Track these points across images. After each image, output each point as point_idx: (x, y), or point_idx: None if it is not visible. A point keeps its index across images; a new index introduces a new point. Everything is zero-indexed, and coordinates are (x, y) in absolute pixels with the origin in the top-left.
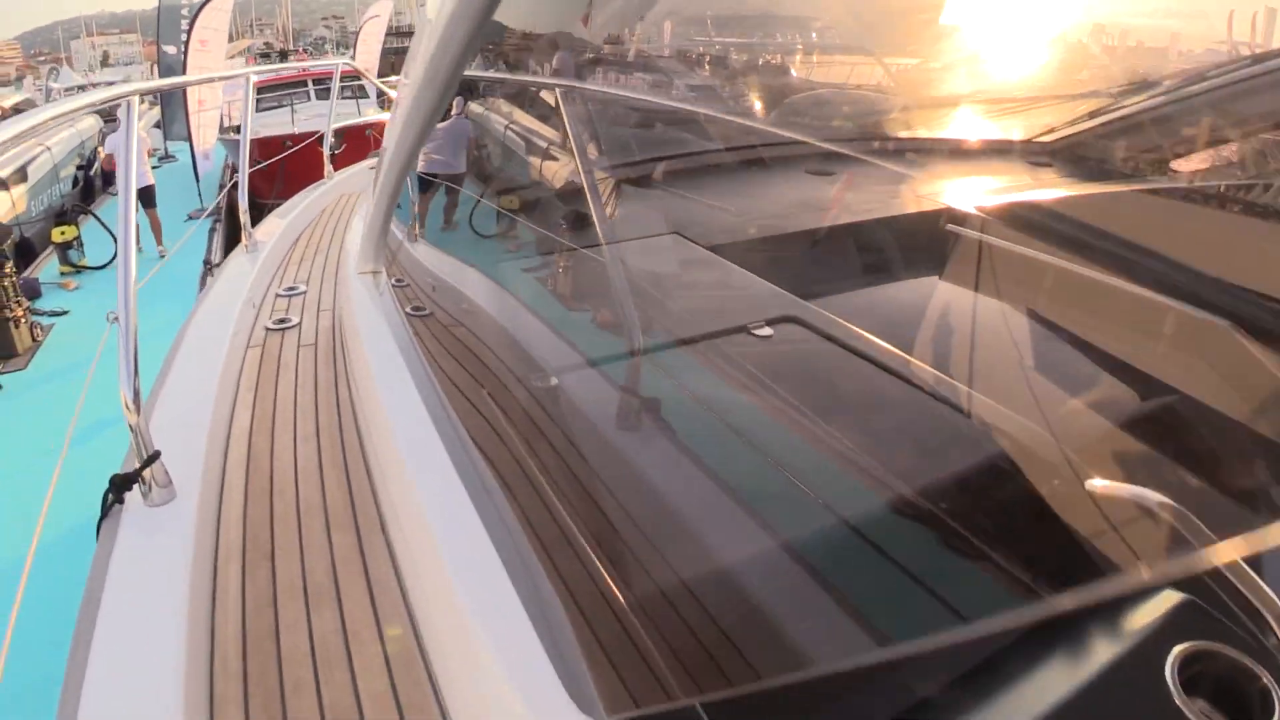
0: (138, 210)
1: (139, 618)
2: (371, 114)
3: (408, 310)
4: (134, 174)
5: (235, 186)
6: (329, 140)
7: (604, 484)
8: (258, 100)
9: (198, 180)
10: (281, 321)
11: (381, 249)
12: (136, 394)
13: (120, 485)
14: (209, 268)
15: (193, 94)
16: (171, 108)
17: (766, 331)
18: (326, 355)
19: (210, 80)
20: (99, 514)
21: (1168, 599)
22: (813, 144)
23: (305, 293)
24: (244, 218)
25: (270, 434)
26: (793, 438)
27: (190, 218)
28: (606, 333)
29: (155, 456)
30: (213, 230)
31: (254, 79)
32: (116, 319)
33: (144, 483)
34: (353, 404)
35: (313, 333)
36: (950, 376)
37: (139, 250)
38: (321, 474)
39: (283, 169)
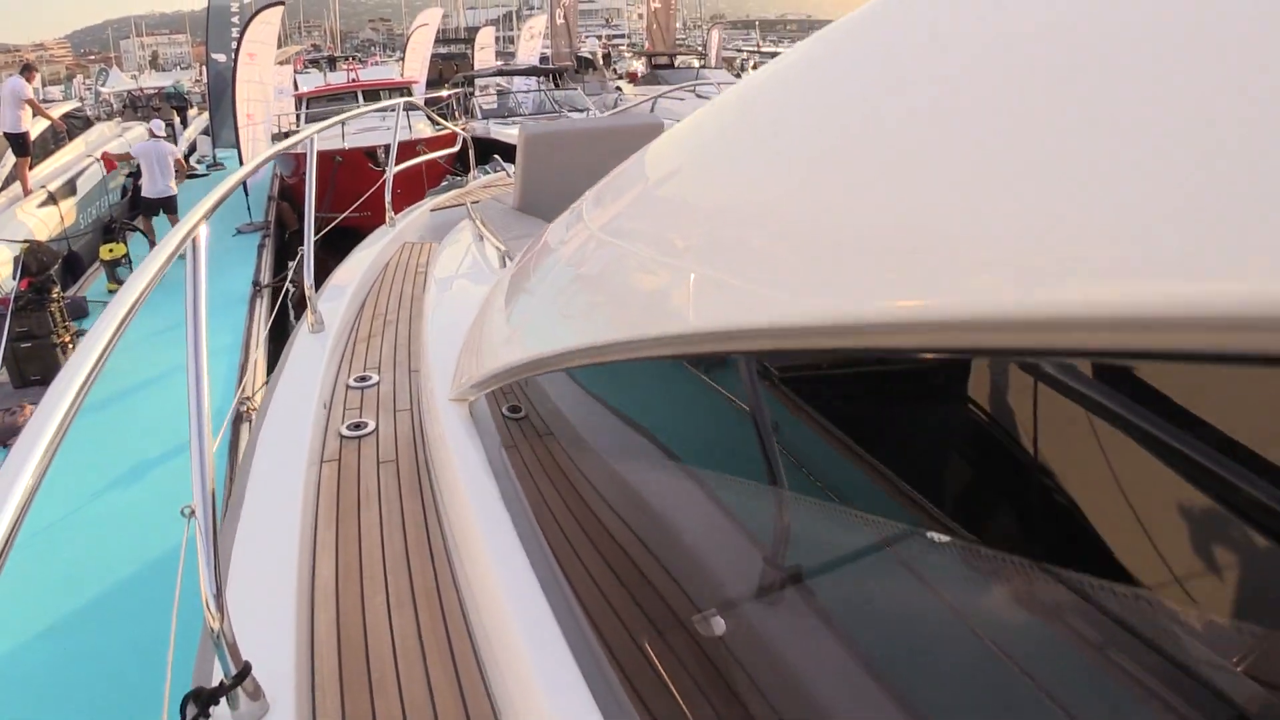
0: (160, 217)
1: None
2: (422, 128)
3: (504, 411)
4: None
5: (299, 260)
6: (390, 181)
7: (749, 677)
8: (307, 113)
9: (246, 194)
10: (356, 427)
11: (488, 387)
12: (219, 592)
13: (206, 700)
14: (258, 289)
15: (241, 108)
16: (220, 114)
17: None
18: (410, 481)
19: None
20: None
21: None
22: None
23: (378, 383)
24: (309, 293)
25: (360, 594)
26: (970, 643)
27: (239, 231)
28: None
29: (246, 672)
30: (261, 246)
31: (316, 140)
32: (193, 513)
33: (230, 695)
34: (448, 554)
35: (391, 443)
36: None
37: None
38: (425, 659)
39: (333, 184)
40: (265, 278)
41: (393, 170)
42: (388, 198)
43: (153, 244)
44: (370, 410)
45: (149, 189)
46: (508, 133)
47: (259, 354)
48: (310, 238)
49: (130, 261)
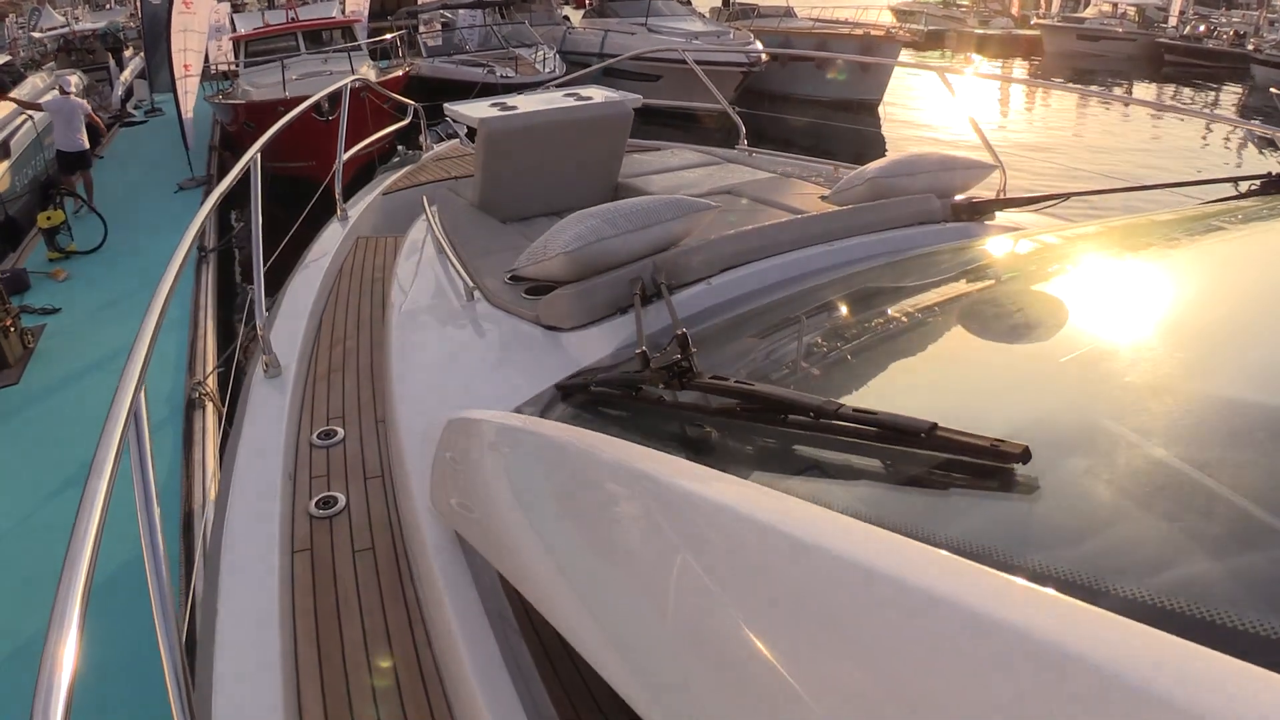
0: (75, 175)
1: None
2: (366, 70)
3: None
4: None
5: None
6: (340, 172)
7: None
8: (245, 60)
9: (187, 148)
10: (325, 503)
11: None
12: None
13: None
14: (204, 254)
15: (178, 59)
16: (157, 57)
17: None
18: (390, 579)
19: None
20: None
21: None
22: None
23: (343, 440)
24: (262, 333)
25: None
26: None
27: (180, 188)
28: None
29: None
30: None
31: (257, 92)
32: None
33: None
34: (439, 674)
35: (365, 525)
36: None
37: (78, 213)
38: None
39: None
40: (211, 240)
41: (342, 158)
42: (338, 188)
43: (78, 201)
44: (338, 477)
45: (60, 142)
46: (462, 112)
47: (209, 327)
48: (260, 268)
49: (70, 227)
